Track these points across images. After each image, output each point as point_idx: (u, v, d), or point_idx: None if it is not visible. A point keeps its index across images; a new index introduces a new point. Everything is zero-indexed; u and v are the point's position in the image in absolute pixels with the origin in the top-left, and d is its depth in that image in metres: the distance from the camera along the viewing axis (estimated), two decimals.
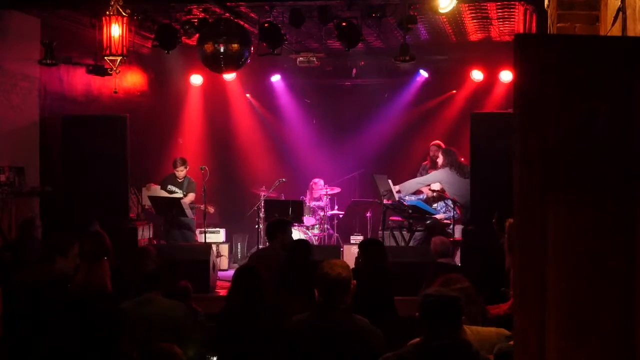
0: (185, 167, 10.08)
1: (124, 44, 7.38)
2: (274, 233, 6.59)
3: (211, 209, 10.10)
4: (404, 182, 10.08)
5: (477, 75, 11.56)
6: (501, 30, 10.09)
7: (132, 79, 10.86)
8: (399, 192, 9.72)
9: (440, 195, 9.65)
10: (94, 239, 5.82)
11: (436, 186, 9.70)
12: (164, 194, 9.96)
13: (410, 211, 9.44)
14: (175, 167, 10.08)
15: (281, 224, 6.73)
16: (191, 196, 9.99)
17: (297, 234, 9.91)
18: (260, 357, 4.25)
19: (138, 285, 4.34)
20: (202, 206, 9.99)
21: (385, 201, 9.63)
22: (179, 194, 9.94)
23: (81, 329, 3.27)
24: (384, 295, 5.68)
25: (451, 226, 9.31)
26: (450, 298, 3.44)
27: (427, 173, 10.43)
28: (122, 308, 4.07)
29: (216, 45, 8.17)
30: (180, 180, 10.05)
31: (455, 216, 9.28)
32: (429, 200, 9.80)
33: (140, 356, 3.27)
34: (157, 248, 7.20)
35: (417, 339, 3.56)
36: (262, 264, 6.10)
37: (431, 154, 10.63)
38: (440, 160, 9.77)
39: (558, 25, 4.20)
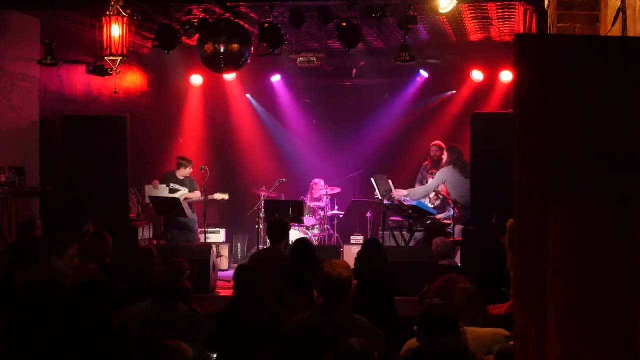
0: (188, 167, 10.10)
1: (124, 44, 7.37)
2: (279, 235, 6.52)
3: (225, 196, 10.15)
4: (407, 186, 10.11)
5: (477, 75, 11.56)
6: (501, 30, 10.09)
7: (132, 79, 10.86)
8: (406, 197, 9.66)
9: (443, 198, 9.65)
10: (93, 240, 5.84)
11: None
12: (167, 191, 9.96)
13: (410, 211, 9.44)
14: (181, 166, 10.09)
15: (287, 228, 6.67)
16: (197, 193, 10.04)
17: (297, 233, 9.90)
18: (259, 357, 4.26)
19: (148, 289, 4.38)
20: (214, 195, 10.04)
21: (385, 201, 9.64)
22: (182, 191, 9.95)
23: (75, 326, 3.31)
24: (384, 296, 5.69)
25: (451, 226, 9.31)
26: (447, 309, 3.50)
27: (427, 173, 10.43)
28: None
29: (216, 45, 8.17)
30: (180, 179, 10.05)
31: (455, 216, 9.28)
32: (437, 206, 9.84)
33: (148, 354, 3.31)
34: (158, 249, 7.22)
35: (412, 340, 3.59)
36: (265, 265, 6.08)
37: (431, 153, 10.63)
38: (444, 157, 9.67)
39: (558, 25, 4.21)
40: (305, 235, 9.97)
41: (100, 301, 3.39)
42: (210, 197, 10.06)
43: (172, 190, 9.96)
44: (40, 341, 3.32)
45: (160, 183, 10.07)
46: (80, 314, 3.35)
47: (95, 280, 4.21)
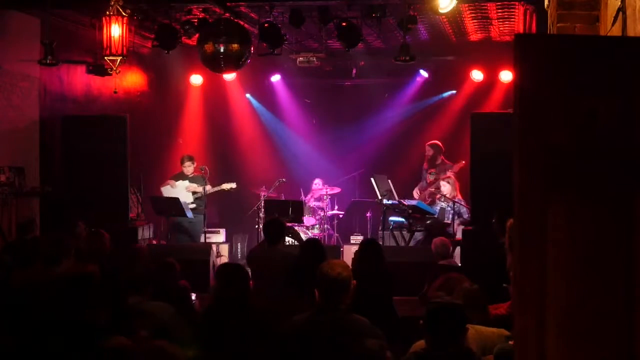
0: (193, 164, 10.22)
1: (124, 44, 7.37)
2: (278, 236, 6.47)
3: (232, 185, 10.20)
4: (407, 186, 10.13)
5: (477, 75, 11.55)
6: (501, 30, 10.09)
7: (132, 79, 10.85)
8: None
9: (449, 199, 9.67)
10: (90, 240, 5.83)
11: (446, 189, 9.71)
12: (186, 188, 10.03)
13: (410, 211, 9.44)
14: (182, 163, 10.20)
15: (285, 228, 6.63)
16: (209, 187, 10.18)
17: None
18: (255, 357, 4.23)
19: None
20: (222, 186, 10.10)
21: (385, 201, 9.64)
22: (194, 185, 10.06)
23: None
24: (383, 295, 5.68)
25: (451, 226, 9.33)
26: (456, 307, 3.46)
27: (427, 173, 10.44)
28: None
29: (216, 45, 8.16)
30: (191, 176, 10.12)
31: (437, 215, 9.38)
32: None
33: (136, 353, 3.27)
34: (153, 249, 7.20)
35: (420, 342, 3.57)
36: (264, 265, 6.06)
37: (426, 153, 10.63)
38: None
39: (558, 25, 4.21)
40: (305, 237, 9.96)
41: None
42: (218, 188, 10.13)
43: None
44: (38, 340, 3.32)
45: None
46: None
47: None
